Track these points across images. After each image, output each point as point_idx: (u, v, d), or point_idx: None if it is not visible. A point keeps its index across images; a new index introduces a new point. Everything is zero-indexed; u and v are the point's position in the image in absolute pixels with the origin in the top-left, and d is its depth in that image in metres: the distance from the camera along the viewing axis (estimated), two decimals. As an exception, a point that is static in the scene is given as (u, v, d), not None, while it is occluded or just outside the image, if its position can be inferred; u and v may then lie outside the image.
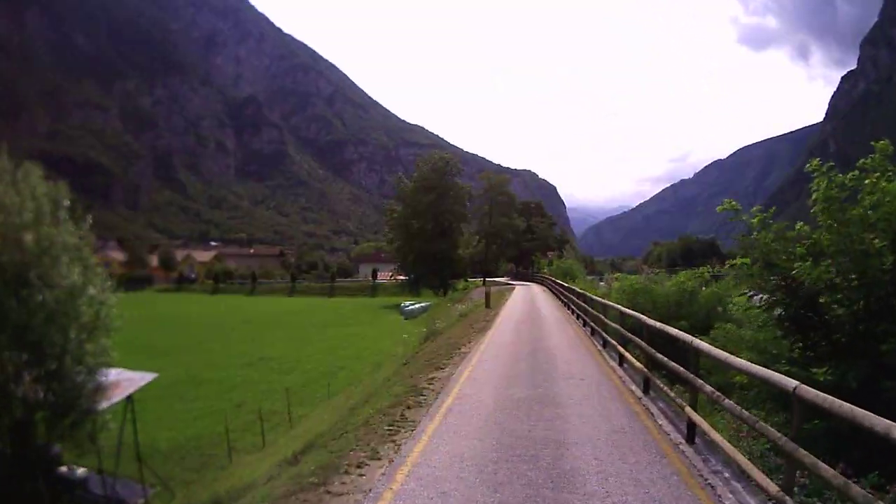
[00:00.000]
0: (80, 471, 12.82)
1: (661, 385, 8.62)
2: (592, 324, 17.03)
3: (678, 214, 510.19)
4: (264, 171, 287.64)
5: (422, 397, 9.72)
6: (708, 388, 6.52)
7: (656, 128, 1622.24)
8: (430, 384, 10.81)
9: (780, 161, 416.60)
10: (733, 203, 8.53)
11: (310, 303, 67.02)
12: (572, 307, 23.29)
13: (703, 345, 6.78)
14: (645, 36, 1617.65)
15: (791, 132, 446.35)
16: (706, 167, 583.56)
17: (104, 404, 11.45)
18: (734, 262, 8.81)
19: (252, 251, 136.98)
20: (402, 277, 68.96)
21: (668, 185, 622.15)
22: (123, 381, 12.79)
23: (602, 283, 37.10)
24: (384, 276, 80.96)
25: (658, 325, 9.13)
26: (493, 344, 15.68)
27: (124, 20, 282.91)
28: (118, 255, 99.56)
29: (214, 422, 19.21)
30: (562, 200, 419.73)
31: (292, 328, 43.83)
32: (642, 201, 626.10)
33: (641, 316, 10.34)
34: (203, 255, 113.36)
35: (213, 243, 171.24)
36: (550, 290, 39.21)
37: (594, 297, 18.18)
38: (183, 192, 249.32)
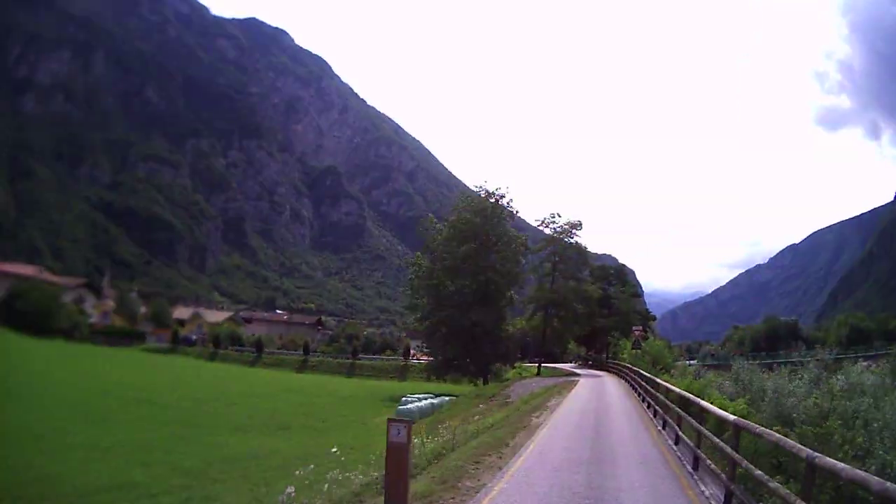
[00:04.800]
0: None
1: None
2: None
3: (752, 300, 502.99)
4: (341, 243, 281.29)
5: None
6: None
7: (733, 213, 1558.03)
8: None
9: (851, 243, 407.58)
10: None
11: (306, 381, 55.49)
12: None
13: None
14: (724, 129, 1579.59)
15: (862, 213, 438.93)
16: (781, 252, 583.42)
17: None
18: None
19: (285, 318, 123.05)
20: (425, 358, 55.56)
21: (744, 270, 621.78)
22: None
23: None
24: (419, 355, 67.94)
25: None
26: None
27: (201, 80, 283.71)
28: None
29: None
30: (640, 285, 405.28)
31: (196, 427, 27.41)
32: (718, 287, 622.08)
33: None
34: (217, 316, 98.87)
35: (278, 311, 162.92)
36: (636, 391, 26.21)
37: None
38: (253, 257, 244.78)
